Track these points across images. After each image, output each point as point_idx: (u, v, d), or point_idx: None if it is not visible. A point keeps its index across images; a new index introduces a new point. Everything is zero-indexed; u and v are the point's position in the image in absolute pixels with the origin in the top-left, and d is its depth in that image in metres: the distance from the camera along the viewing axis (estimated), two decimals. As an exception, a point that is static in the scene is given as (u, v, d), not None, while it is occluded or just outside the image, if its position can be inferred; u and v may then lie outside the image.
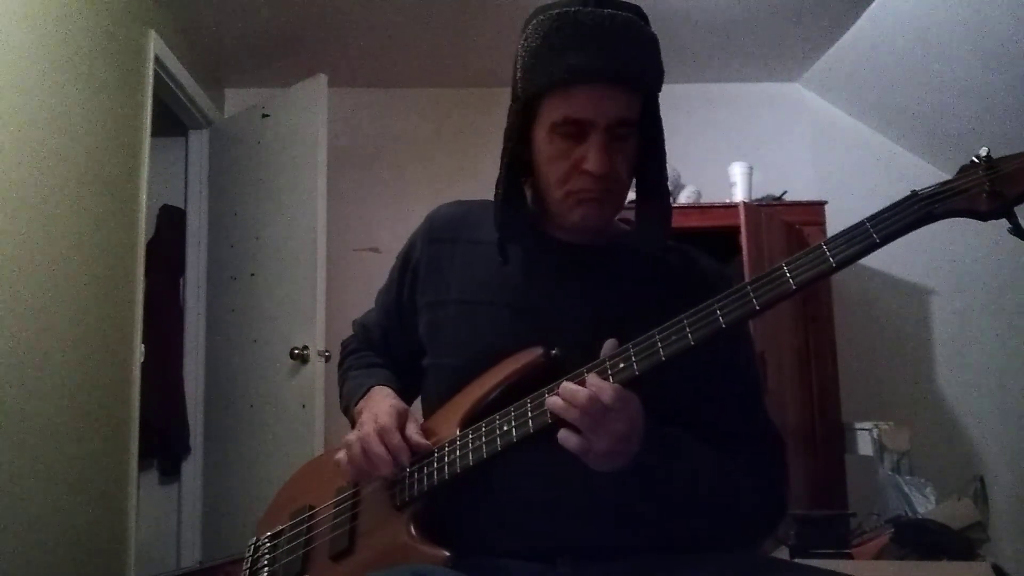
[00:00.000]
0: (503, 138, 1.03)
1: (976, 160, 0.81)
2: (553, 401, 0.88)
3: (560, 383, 0.89)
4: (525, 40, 0.99)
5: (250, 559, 1.14)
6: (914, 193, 0.82)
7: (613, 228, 1.10)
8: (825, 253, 0.82)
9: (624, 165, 0.99)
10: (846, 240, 0.82)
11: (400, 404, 1.06)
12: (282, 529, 1.12)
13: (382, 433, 1.00)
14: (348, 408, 1.17)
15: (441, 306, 1.08)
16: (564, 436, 0.87)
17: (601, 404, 0.85)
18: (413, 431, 1.02)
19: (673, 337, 0.87)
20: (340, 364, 1.29)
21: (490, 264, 1.06)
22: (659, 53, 0.99)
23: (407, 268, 1.16)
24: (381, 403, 1.06)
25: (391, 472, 0.99)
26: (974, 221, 0.82)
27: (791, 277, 0.83)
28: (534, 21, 0.98)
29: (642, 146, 1.01)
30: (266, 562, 1.11)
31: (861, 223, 0.82)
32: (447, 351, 1.07)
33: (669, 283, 1.06)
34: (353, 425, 1.11)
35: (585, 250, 1.07)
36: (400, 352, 1.20)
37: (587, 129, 0.96)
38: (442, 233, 1.14)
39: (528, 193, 1.08)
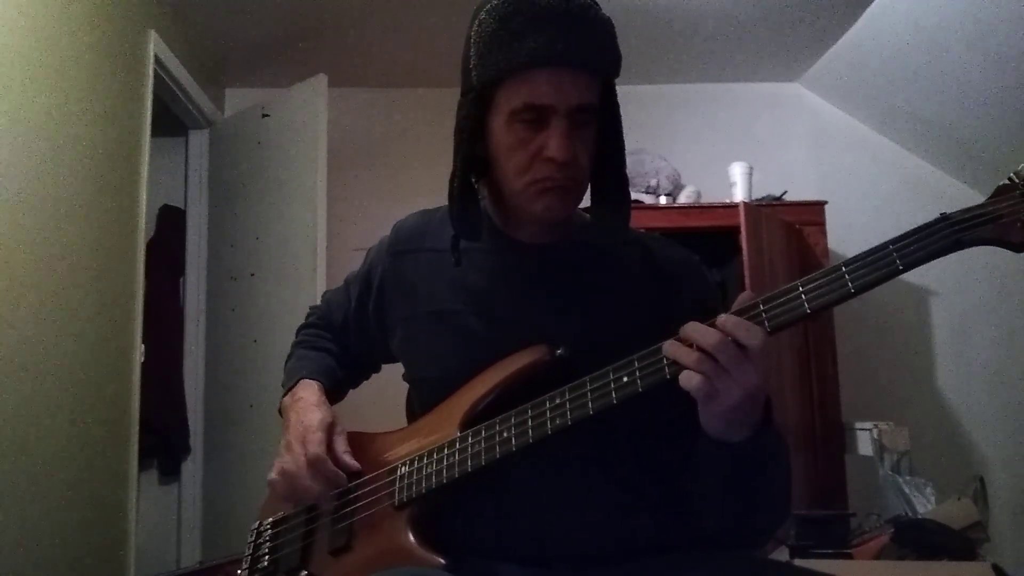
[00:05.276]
0: (455, 132, 0.99)
1: (1014, 180, 0.74)
2: (674, 342, 0.81)
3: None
4: (479, 26, 0.94)
5: (252, 544, 1.14)
6: (944, 216, 0.76)
7: (573, 222, 1.06)
8: (844, 278, 0.78)
9: (585, 152, 0.96)
10: (867, 264, 0.77)
11: (327, 416, 1.08)
12: (285, 516, 1.12)
13: (315, 465, 1.03)
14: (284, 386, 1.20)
15: (413, 320, 1.08)
16: (687, 376, 0.80)
17: (735, 347, 0.78)
18: (342, 449, 1.05)
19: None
20: (298, 332, 1.30)
21: (454, 271, 1.05)
22: (615, 37, 0.97)
23: (371, 281, 1.16)
24: (308, 415, 1.08)
25: (324, 500, 1.05)
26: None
27: (807, 301, 0.79)
28: (488, 6, 0.94)
29: (600, 134, 0.98)
30: (267, 549, 1.11)
31: (884, 246, 0.78)
32: (424, 365, 1.07)
33: (636, 277, 1.04)
34: (280, 412, 1.16)
35: (547, 249, 1.05)
36: (350, 343, 1.23)
37: (548, 115, 0.93)
38: (406, 245, 1.14)
39: (483, 193, 1.05)
